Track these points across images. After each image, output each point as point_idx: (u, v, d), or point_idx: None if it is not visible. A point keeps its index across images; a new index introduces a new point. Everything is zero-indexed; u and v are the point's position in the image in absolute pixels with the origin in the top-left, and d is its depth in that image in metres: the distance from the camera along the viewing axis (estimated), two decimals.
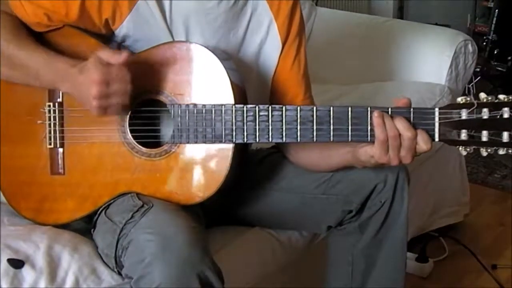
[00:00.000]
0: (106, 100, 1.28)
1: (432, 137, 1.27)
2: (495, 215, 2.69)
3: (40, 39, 1.39)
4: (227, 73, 1.32)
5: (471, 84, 3.24)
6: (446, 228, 2.49)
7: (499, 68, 3.62)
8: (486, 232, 2.57)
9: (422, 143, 1.26)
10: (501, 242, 2.49)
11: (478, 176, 3.02)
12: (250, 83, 1.46)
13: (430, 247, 2.36)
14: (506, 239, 2.49)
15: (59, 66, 1.32)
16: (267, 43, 1.48)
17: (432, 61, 2.39)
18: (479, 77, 3.46)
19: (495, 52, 3.63)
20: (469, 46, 2.41)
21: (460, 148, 1.25)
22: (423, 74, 2.39)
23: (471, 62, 2.44)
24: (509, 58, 3.57)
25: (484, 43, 3.69)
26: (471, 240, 2.46)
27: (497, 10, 3.71)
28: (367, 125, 1.28)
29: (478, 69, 3.40)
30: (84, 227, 1.43)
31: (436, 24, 3.28)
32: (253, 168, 1.57)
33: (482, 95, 1.23)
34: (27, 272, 1.29)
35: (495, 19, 3.68)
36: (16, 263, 1.28)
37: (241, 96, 1.37)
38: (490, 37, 3.68)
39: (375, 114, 1.26)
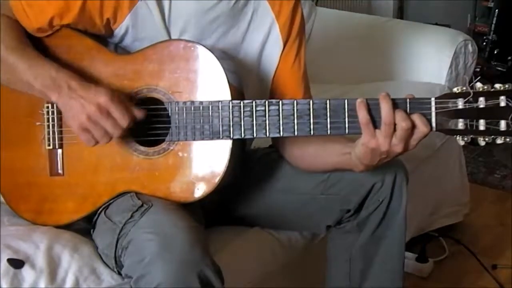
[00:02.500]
0: (93, 124, 1.28)
1: (429, 121, 1.25)
2: (495, 215, 2.69)
3: (37, 40, 1.40)
4: (224, 71, 1.32)
5: (471, 84, 3.24)
6: (446, 228, 2.49)
7: (499, 68, 3.61)
8: (486, 232, 2.57)
9: (422, 126, 1.24)
10: (501, 242, 2.49)
11: (478, 176, 3.01)
12: (250, 83, 1.46)
13: (430, 247, 2.36)
14: (506, 239, 2.49)
15: (59, 77, 1.31)
16: (268, 43, 1.48)
17: (432, 61, 2.39)
18: (479, 77, 3.45)
19: (495, 52, 3.62)
20: (469, 46, 2.41)
21: (458, 138, 1.24)
22: (423, 74, 2.39)
23: (471, 62, 2.44)
24: (509, 58, 3.57)
25: (484, 43, 3.69)
26: (471, 240, 2.46)
27: (497, 10, 3.70)
28: None
29: (478, 69, 3.40)
30: (84, 227, 1.43)
31: (436, 24, 3.27)
32: (252, 167, 1.57)
33: (478, 85, 1.22)
34: (27, 272, 1.29)
35: (495, 19, 3.68)
36: (16, 263, 1.28)
37: (237, 97, 1.37)
38: (490, 37, 3.67)
39: (358, 99, 1.25)
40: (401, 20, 3.45)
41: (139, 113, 1.32)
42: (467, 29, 4.06)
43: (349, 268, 1.54)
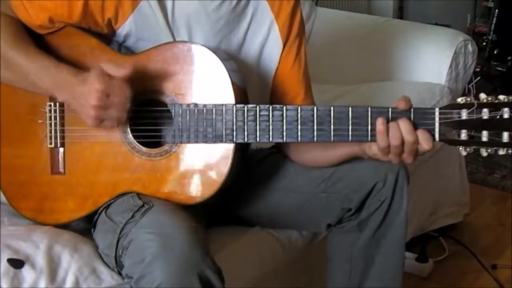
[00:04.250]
0: (104, 111, 1.29)
1: (432, 137, 1.27)
2: (495, 215, 2.69)
3: (40, 39, 1.39)
4: (228, 73, 1.32)
5: (471, 84, 3.24)
6: (446, 228, 2.49)
7: (499, 68, 3.62)
8: (486, 232, 2.57)
9: (424, 143, 1.26)
10: (501, 242, 2.49)
11: (478, 176, 3.02)
12: (251, 84, 1.46)
13: (430, 247, 2.36)
14: (506, 239, 2.49)
15: (59, 75, 1.32)
16: (268, 43, 1.48)
17: (432, 61, 2.39)
18: (479, 77, 3.46)
19: (495, 52, 3.63)
20: (469, 46, 2.41)
21: (460, 148, 1.25)
22: (423, 74, 2.39)
23: (471, 62, 2.44)
24: (509, 58, 3.57)
25: (484, 43, 3.69)
26: (471, 240, 2.46)
27: (497, 10, 3.71)
28: (368, 125, 1.28)
29: (478, 69, 3.40)
30: (84, 227, 1.43)
31: (436, 24, 3.28)
32: (253, 168, 1.57)
33: (482, 96, 1.23)
34: (27, 272, 1.28)
35: (495, 19, 3.68)
36: (16, 263, 1.28)
37: (242, 96, 1.38)
38: (490, 37, 3.68)
39: (380, 121, 1.26)
40: (401, 20, 3.46)
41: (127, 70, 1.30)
42: (467, 29, 4.07)
43: (349, 268, 1.54)
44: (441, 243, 2.44)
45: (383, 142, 1.27)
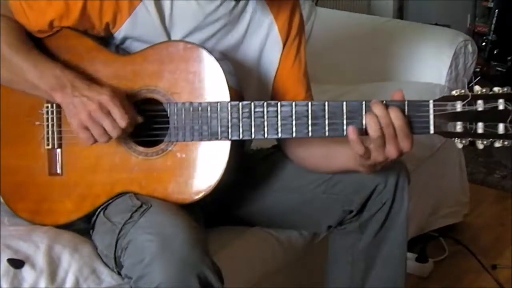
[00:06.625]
0: (94, 123, 1.29)
1: (427, 129, 1.25)
2: (495, 215, 2.69)
3: (37, 40, 1.40)
4: (223, 72, 1.32)
5: (471, 84, 3.24)
6: (446, 228, 2.49)
7: (499, 68, 3.61)
8: (486, 232, 2.57)
9: (395, 120, 1.23)
10: (501, 242, 2.49)
11: (478, 176, 3.01)
12: (251, 84, 1.46)
13: (430, 247, 2.36)
14: (506, 239, 2.49)
15: (61, 73, 1.32)
16: (267, 44, 1.48)
17: (432, 61, 2.39)
18: (479, 77, 3.45)
19: (495, 52, 3.62)
20: (469, 46, 2.41)
21: (456, 140, 1.23)
22: (423, 74, 2.39)
23: (471, 62, 2.44)
24: (509, 58, 3.57)
25: (484, 43, 3.69)
26: (471, 240, 2.46)
27: (497, 10, 3.70)
28: (362, 119, 1.27)
29: (478, 69, 3.40)
30: (84, 227, 1.43)
31: (436, 24, 3.28)
32: (254, 167, 1.57)
33: (477, 87, 1.22)
34: (27, 272, 1.28)
35: (495, 19, 3.68)
36: (16, 263, 1.28)
37: (237, 98, 1.37)
38: (490, 37, 3.67)
39: (350, 129, 1.24)
40: (401, 20, 3.45)
41: (137, 118, 1.32)
42: (467, 29, 4.06)
43: (350, 270, 1.54)
44: (441, 243, 2.44)
45: (359, 149, 1.25)
